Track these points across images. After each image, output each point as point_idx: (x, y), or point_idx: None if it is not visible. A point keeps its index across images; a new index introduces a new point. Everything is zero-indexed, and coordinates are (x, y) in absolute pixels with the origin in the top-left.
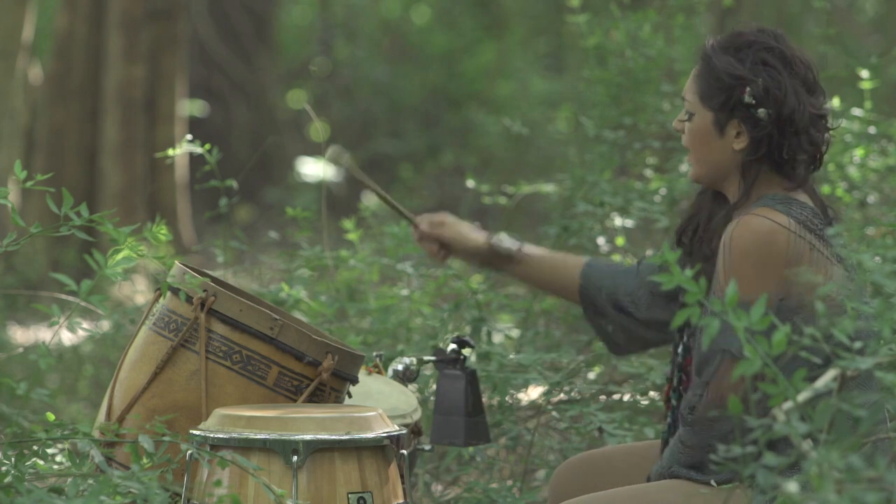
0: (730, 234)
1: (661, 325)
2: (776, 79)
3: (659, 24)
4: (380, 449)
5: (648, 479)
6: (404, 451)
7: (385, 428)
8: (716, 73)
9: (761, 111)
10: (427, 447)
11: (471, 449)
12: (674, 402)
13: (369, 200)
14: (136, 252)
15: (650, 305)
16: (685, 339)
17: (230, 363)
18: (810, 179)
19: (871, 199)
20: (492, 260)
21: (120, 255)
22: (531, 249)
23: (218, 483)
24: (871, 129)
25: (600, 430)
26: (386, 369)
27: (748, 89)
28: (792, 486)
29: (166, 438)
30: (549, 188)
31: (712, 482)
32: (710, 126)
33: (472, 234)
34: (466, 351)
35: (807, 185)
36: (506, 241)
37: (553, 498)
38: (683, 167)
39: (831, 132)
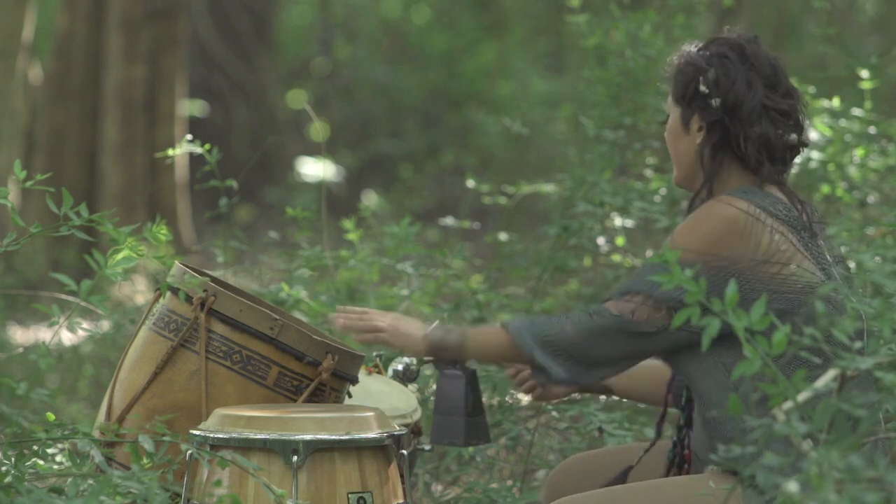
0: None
1: None
2: (727, 67)
3: (659, 24)
4: (380, 449)
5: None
6: (404, 451)
7: (385, 428)
8: (680, 68)
9: (714, 100)
10: (427, 447)
11: (471, 449)
12: (682, 420)
13: (369, 200)
14: (136, 252)
15: None
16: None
17: (230, 363)
18: (784, 179)
19: (871, 199)
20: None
21: (120, 255)
22: None
23: (218, 483)
24: (871, 129)
25: (600, 430)
26: (386, 369)
27: (701, 78)
28: (792, 486)
29: (166, 438)
30: (549, 188)
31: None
32: (678, 123)
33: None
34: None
35: (781, 185)
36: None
37: (548, 500)
38: None
39: (805, 142)
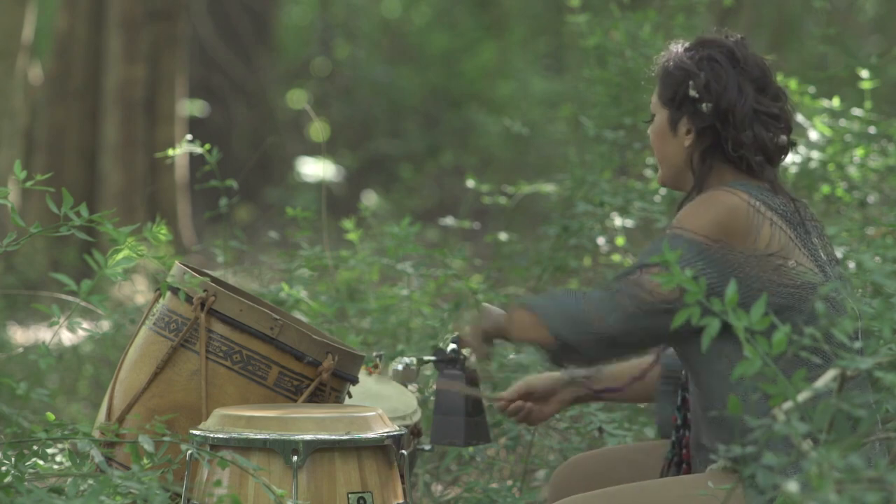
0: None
1: None
2: (717, 72)
3: (659, 24)
4: (380, 449)
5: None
6: (404, 451)
7: (385, 428)
8: (668, 69)
9: (705, 105)
10: (427, 447)
11: (471, 449)
12: (679, 420)
13: (369, 200)
14: (136, 252)
15: None
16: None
17: (230, 363)
18: (774, 176)
19: (871, 199)
20: (585, 394)
21: (120, 255)
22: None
23: (218, 483)
24: (871, 129)
25: (600, 430)
26: (386, 369)
27: (691, 83)
28: (792, 486)
29: (166, 438)
30: (549, 188)
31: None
32: (665, 124)
33: (554, 381)
34: (466, 351)
35: (773, 182)
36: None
37: (553, 498)
38: None
39: (794, 142)
